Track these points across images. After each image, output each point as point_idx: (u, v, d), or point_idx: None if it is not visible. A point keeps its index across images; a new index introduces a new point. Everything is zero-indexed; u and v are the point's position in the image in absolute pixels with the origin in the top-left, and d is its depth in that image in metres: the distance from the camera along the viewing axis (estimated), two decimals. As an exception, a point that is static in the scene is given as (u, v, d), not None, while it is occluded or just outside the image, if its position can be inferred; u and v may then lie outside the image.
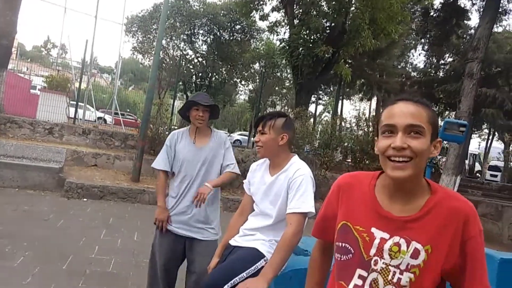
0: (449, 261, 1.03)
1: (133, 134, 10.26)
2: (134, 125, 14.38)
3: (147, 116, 8.46)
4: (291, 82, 18.55)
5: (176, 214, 2.62)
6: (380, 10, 10.93)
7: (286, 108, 29.58)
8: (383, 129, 1.09)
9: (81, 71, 13.30)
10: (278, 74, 21.45)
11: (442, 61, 21.16)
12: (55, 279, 3.32)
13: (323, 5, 12.27)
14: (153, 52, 11.20)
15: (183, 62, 17.60)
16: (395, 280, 1.05)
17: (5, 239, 4.14)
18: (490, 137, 29.92)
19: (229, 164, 2.68)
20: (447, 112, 20.83)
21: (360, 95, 27.74)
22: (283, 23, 13.99)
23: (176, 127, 11.96)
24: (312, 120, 17.23)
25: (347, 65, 14.62)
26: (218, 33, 18.28)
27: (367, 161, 9.83)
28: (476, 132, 29.69)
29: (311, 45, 11.86)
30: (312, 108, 24.75)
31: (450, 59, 20.52)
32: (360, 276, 1.10)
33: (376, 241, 1.09)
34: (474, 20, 33.21)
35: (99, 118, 15.75)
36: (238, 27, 18.44)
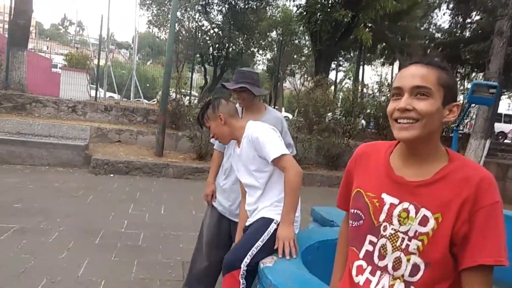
0: (457, 232, 0.98)
1: (154, 109, 10.34)
2: None
3: (166, 91, 8.47)
4: (310, 49, 18.13)
5: (220, 194, 2.60)
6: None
7: (305, 76, 29.11)
8: (392, 92, 1.09)
9: (98, 47, 13.33)
10: (296, 41, 20.95)
11: (469, 20, 20.10)
12: (89, 253, 3.45)
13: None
14: (168, 25, 11.06)
15: (199, 34, 17.37)
16: (403, 246, 1.03)
17: (40, 215, 4.31)
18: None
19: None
20: (474, 74, 20.00)
21: (382, 60, 26.86)
22: (299, -12, 13.52)
23: (195, 100, 11.97)
24: (332, 87, 16.87)
25: (367, 29, 14.12)
26: (233, 1, 17.84)
27: (390, 128, 9.62)
28: (505, 93, 28.50)
29: (329, 9, 11.45)
30: (332, 75, 24.23)
31: (477, 17, 19.47)
32: (370, 242, 1.11)
33: (386, 207, 1.08)
34: (503, -27, 31.12)
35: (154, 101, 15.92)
36: (253, -6, 17.94)
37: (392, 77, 25.26)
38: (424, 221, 1.01)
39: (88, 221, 4.32)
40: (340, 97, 11.87)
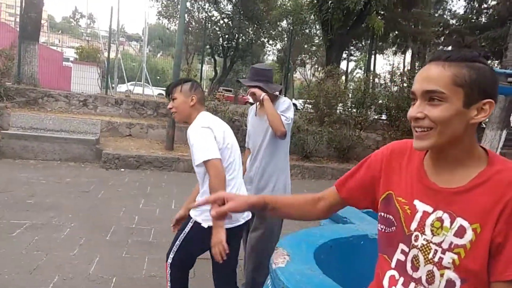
0: (493, 240, 0.88)
1: (164, 102, 10.33)
2: None
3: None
4: (321, 38, 17.89)
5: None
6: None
7: (316, 66, 28.81)
8: (411, 96, 0.97)
9: (108, 40, 13.34)
10: (307, 31, 20.67)
11: (485, 5, 19.56)
12: (100, 250, 3.46)
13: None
14: (178, 16, 10.99)
15: (209, 25, 17.24)
16: (436, 259, 0.94)
17: (52, 211, 4.36)
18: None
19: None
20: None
21: (394, 49, 26.40)
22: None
23: (206, 91, 11.92)
24: (344, 77, 16.61)
25: (379, 17, 13.83)
26: (243, -10, 17.65)
27: (403, 119, 9.45)
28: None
29: (341, -3, 11.23)
30: (343, 65, 23.91)
31: (493, 2, 18.92)
32: (402, 251, 1.02)
33: (418, 215, 0.98)
34: (521, -44, 30.15)
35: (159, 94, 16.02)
36: (263, -18, 17.69)
37: (404, 66, 24.84)
38: (460, 232, 0.91)
39: (99, 216, 4.35)
40: (351, 87, 11.69)
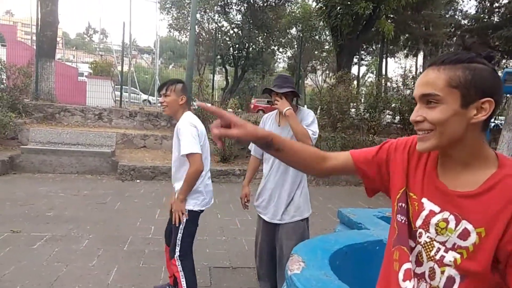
0: (503, 248, 0.88)
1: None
2: None
3: (188, 94, 8.53)
4: (331, 44, 17.89)
5: (259, 200, 2.75)
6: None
7: (327, 72, 28.76)
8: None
9: (121, 53, 13.61)
10: (317, 37, 20.68)
11: (496, 4, 19.30)
12: (118, 260, 3.52)
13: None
14: (188, 28, 11.17)
15: (219, 35, 17.45)
16: (437, 257, 0.96)
17: (71, 223, 4.44)
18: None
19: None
20: (504, 61, 19.20)
21: (405, 52, 26.21)
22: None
23: (217, 103, 12.02)
24: (355, 82, 16.55)
25: (389, 21, 13.80)
26: (251, 0, 17.81)
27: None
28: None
29: (349, 2, 11.24)
30: (354, 70, 23.81)
31: (505, 1, 18.67)
32: (410, 246, 1.04)
33: (424, 213, 1.00)
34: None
35: (144, 100, 16.22)
36: (271, -9, 17.85)
37: (416, 69, 24.63)
38: (464, 235, 0.92)
39: (116, 227, 4.42)
40: (363, 92, 11.64)
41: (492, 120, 1.07)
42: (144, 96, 16.77)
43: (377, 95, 9.79)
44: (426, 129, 0.95)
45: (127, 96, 14.73)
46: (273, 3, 18.09)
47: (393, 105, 10.29)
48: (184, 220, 2.57)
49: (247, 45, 18.39)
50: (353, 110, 9.49)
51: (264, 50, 19.23)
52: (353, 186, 8.07)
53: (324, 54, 23.62)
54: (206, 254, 3.81)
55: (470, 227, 0.92)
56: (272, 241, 2.68)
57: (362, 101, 10.08)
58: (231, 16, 19.11)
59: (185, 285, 2.56)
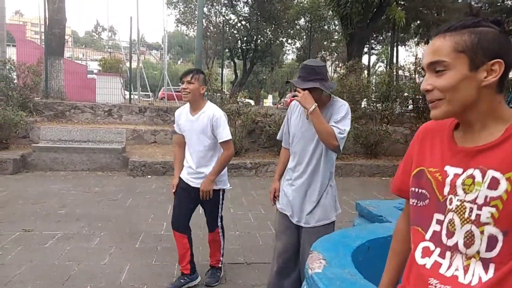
0: None
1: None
2: None
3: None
4: (341, 34, 17.62)
5: (281, 198, 2.46)
6: None
7: (337, 62, 28.40)
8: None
9: (129, 50, 13.58)
10: (326, 27, 20.40)
11: (511, -13, 18.73)
12: (130, 258, 3.45)
13: None
14: (196, 22, 11.06)
15: (227, 28, 17.29)
16: (472, 217, 0.91)
17: (83, 220, 4.40)
18: None
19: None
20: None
21: (416, 39, 25.68)
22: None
23: (227, 94, 11.91)
24: (366, 72, 16.20)
25: (399, 7, 13.47)
26: (258, -9, 17.60)
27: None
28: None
29: (359, -10, 10.98)
30: (364, 59, 23.45)
31: (520, -16, 18.11)
32: (437, 221, 1.00)
33: (449, 178, 0.98)
34: None
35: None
36: (278, -18, 17.58)
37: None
38: (493, 184, 0.89)
39: (128, 224, 4.36)
40: (374, 81, 11.39)
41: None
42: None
43: (389, 83, 9.55)
44: (436, 98, 0.95)
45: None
46: (281, -6, 17.84)
47: (405, 93, 10.05)
48: (222, 198, 2.97)
49: (255, 37, 18.23)
50: (364, 99, 9.28)
51: (272, 42, 19.05)
52: (367, 176, 7.92)
53: (333, 44, 23.29)
54: (219, 250, 3.72)
55: (497, 174, 0.89)
56: (294, 243, 2.38)
57: (374, 90, 9.83)
58: (238, 8, 18.95)
59: (223, 244, 3.10)
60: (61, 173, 6.93)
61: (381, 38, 25.38)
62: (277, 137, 2.62)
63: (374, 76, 16.58)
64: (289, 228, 2.38)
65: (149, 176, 6.92)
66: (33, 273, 3.06)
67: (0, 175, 6.57)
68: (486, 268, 0.89)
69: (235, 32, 18.53)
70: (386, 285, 1.28)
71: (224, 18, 18.74)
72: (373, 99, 9.45)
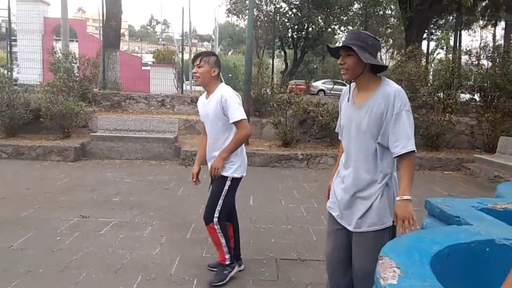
0: None
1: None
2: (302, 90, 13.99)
3: (248, 77, 8.33)
4: (397, 19, 16.66)
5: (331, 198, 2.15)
6: None
7: (392, 50, 27.04)
8: None
9: (181, 42, 13.78)
10: (381, 12, 19.37)
11: None
12: (181, 249, 3.41)
13: None
14: (247, 11, 10.94)
15: (278, 17, 16.99)
16: None
17: (135, 209, 4.45)
18: None
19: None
20: None
21: (482, 22, 23.71)
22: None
23: (276, 84, 11.69)
24: (425, 59, 15.14)
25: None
26: (310, -22, 17.06)
27: (502, 98, 8.28)
28: None
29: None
30: (423, 46, 22.08)
31: None
32: None
33: None
34: None
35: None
36: (331, -34, 16.92)
37: (494, 41, 22.16)
38: None
39: (179, 214, 4.34)
40: (433, 68, 10.58)
41: None
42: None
43: (452, 70, 8.81)
44: None
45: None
46: (334, -21, 17.17)
47: (469, 82, 9.23)
48: (227, 188, 2.77)
49: (306, 25, 17.75)
50: (424, 87, 8.62)
51: (324, 29, 18.45)
52: (427, 170, 7.39)
53: (389, 30, 22.11)
54: (271, 244, 3.57)
55: None
56: (343, 244, 2.06)
57: (436, 77, 9.11)
58: (289, -4, 18.51)
59: (225, 243, 2.79)
60: (116, 161, 7.15)
61: (441, 22, 23.73)
62: (335, 130, 2.24)
63: (433, 64, 15.46)
64: (337, 229, 2.07)
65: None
66: (88, 260, 3.11)
67: (62, 162, 6.92)
68: None
69: (286, 20, 18.15)
70: None
71: (275, 7, 18.43)
72: (434, 87, 8.78)
